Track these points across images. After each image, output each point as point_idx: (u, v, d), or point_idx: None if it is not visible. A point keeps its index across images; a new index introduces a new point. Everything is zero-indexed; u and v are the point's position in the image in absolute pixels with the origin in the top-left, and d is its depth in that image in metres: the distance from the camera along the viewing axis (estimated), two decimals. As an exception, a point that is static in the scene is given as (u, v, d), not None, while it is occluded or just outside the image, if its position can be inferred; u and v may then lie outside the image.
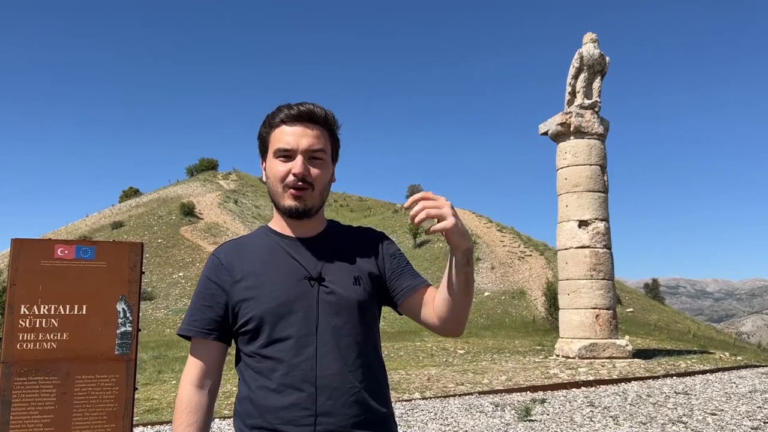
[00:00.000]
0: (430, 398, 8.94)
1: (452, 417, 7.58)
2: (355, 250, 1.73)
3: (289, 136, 1.63)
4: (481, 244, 40.38)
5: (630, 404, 8.38)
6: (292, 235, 1.71)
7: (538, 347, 16.35)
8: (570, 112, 14.56)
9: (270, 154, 1.67)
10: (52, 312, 2.53)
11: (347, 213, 68.42)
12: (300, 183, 1.62)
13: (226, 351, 1.71)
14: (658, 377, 10.88)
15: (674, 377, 11.04)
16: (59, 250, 2.56)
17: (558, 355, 13.87)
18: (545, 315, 23.39)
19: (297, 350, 1.57)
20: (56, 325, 2.52)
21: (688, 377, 11.09)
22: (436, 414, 7.72)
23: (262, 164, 1.73)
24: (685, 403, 8.44)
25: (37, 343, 2.50)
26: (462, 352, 15.34)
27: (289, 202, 1.64)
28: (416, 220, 1.45)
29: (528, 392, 9.47)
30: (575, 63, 14.86)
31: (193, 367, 1.67)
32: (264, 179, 1.72)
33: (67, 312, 2.54)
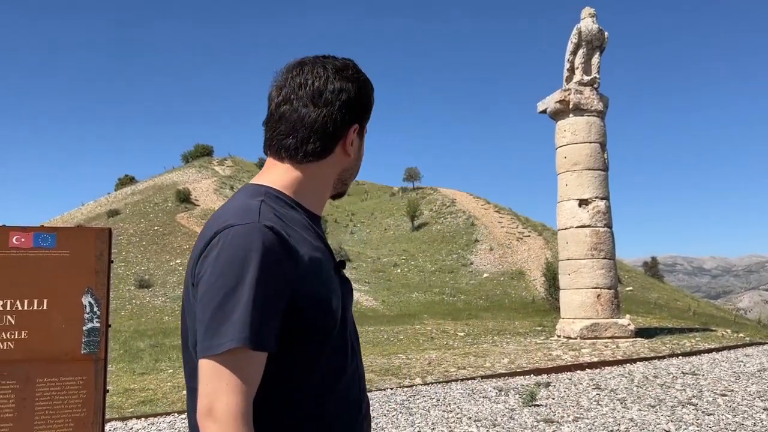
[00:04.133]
0: (432, 384, 8.72)
1: (455, 403, 7.36)
2: None
3: None
4: (479, 226, 40.14)
5: (637, 386, 8.16)
6: (315, 212, 1.36)
7: (539, 328, 16.16)
8: (569, 89, 14.23)
9: (365, 130, 1.42)
10: (8, 308, 2.24)
11: (344, 197, 67.82)
12: None
13: None
14: (663, 357, 10.68)
15: (680, 357, 10.84)
16: (15, 237, 2.26)
17: (559, 336, 13.67)
18: (545, 295, 23.21)
19: (353, 356, 1.32)
20: (13, 322, 2.24)
21: (694, 357, 10.89)
22: (438, 400, 7.50)
23: (352, 128, 1.35)
24: (693, 383, 8.23)
25: (-7, 343, 2.23)
26: (462, 334, 15.13)
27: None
28: None
29: (532, 375, 9.26)
30: (573, 39, 14.50)
31: (248, 395, 1.11)
32: (348, 150, 1.36)
33: (26, 307, 2.25)
